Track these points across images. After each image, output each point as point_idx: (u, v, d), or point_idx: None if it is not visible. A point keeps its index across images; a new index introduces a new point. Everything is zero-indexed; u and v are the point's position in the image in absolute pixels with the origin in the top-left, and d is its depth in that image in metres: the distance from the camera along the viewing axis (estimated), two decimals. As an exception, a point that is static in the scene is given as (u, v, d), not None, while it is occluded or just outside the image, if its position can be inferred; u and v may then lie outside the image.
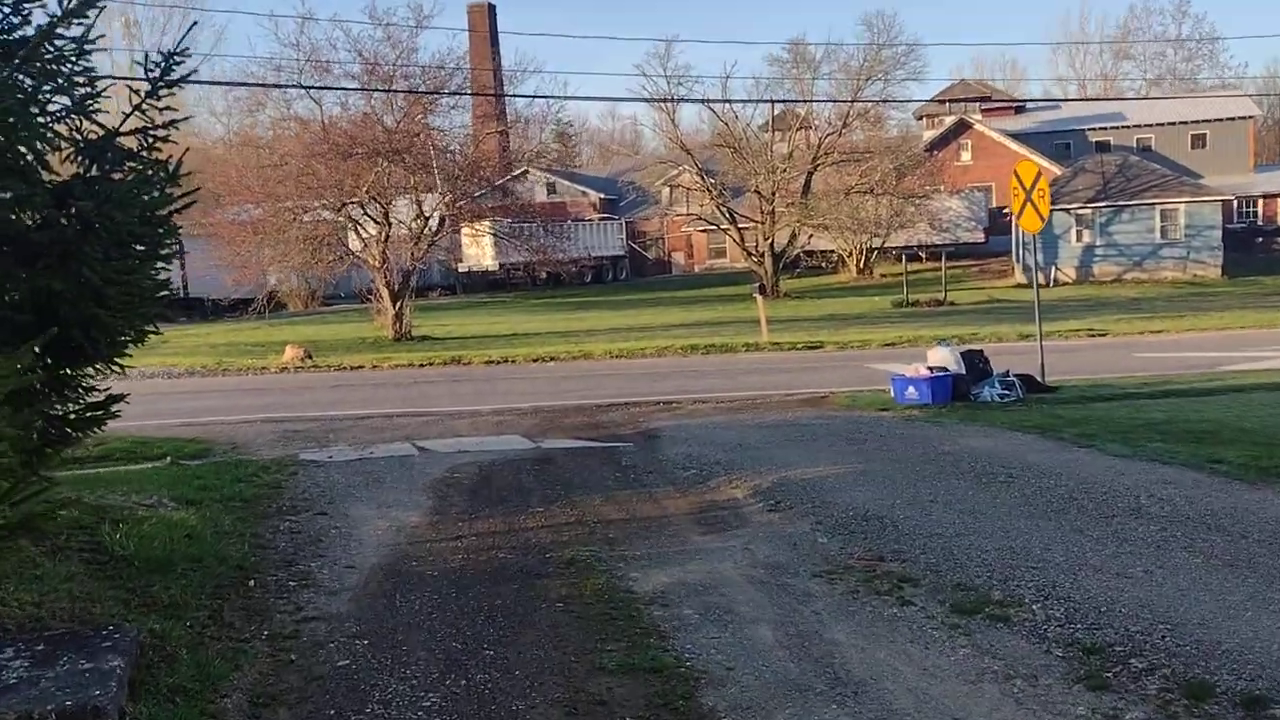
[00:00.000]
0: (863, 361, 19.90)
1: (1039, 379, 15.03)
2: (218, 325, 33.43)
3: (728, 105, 45.60)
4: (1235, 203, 54.14)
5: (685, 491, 9.10)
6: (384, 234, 29.40)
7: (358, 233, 29.82)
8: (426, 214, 30.02)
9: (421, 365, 21.89)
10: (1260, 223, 58.07)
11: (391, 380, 19.12)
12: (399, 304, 29.68)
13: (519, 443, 11.96)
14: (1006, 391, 14.20)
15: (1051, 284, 44.73)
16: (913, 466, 9.35)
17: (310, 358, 22.14)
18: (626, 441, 11.83)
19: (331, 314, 42.86)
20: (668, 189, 61.12)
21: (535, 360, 22.26)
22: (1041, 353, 15.51)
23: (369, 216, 28.94)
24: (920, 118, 66.46)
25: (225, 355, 24.68)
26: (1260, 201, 58.26)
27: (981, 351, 15.28)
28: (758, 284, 25.15)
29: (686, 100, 45.09)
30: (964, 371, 14.53)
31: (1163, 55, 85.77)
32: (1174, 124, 60.40)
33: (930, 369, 14.35)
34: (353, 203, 28.01)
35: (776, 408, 14.15)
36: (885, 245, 52.90)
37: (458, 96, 29.78)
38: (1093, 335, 24.77)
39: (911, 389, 14.05)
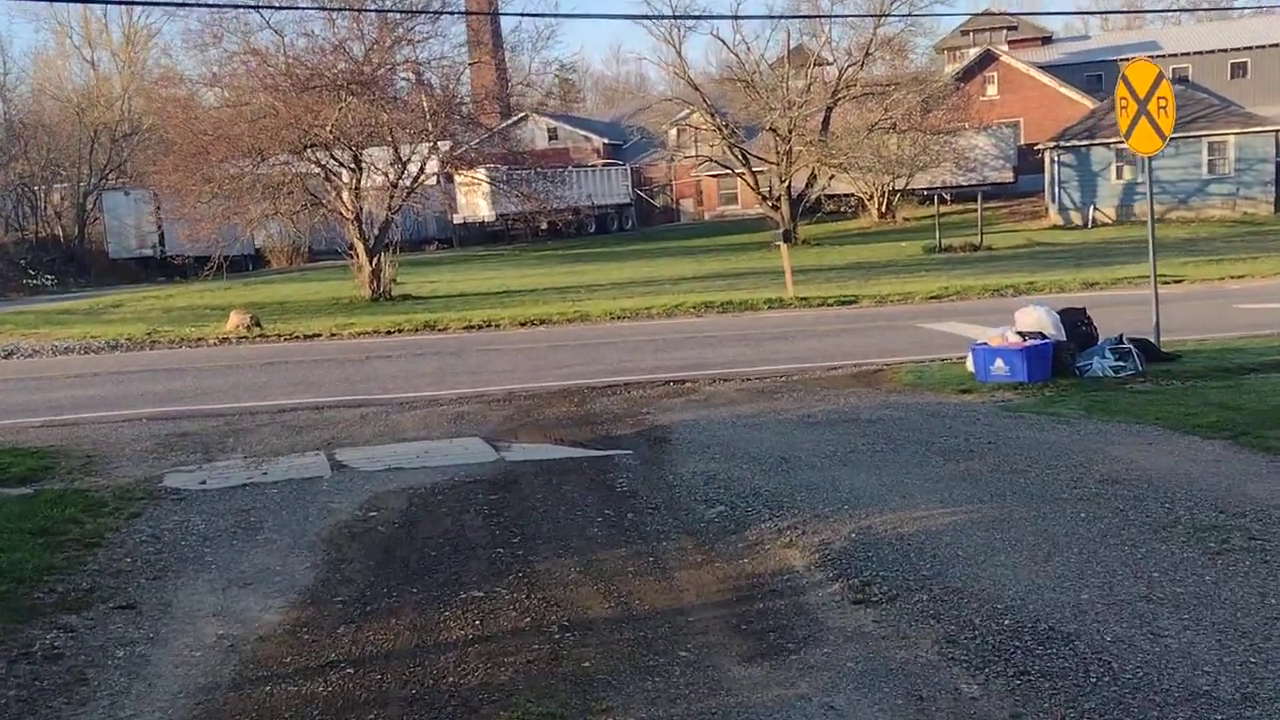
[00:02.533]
0: (910, 320, 16.52)
1: (1154, 343, 11.66)
2: (192, 286, 30.22)
3: (739, 36, 41.72)
4: (1282, 134, 50.21)
5: (710, 550, 5.81)
6: (354, 181, 25.96)
7: (329, 180, 26.38)
8: (404, 158, 26.54)
9: (388, 332, 18.57)
10: (1311, 155, 54.03)
11: (342, 354, 15.82)
12: (375, 260, 26.31)
13: (477, 451, 8.67)
14: (1122, 363, 10.82)
15: (1090, 224, 41.12)
16: (1069, 509, 6.00)
17: (259, 325, 18.85)
18: (624, 448, 8.53)
19: (315, 271, 39.56)
20: (675, 132, 57.34)
21: (523, 324, 18.92)
22: (1156, 309, 12.08)
23: (336, 161, 25.49)
24: (941, 51, 62.28)
25: (167, 323, 21.41)
26: (1311, 132, 54.15)
27: (1084, 310, 11.87)
28: (780, 230, 21.73)
29: (698, 17, 40.83)
30: (1064, 337, 11.17)
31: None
32: (1212, 52, 56.11)
33: (1022, 335, 10.98)
34: (316, 145, 24.53)
35: (821, 389, 10.81)
36: (909, 187, 49.25)
37: (437, 21, 26.12)
38: (1166, 283, 21.23)
39: (1000, 362, 10.68)
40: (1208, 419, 7.94)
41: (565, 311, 19.86)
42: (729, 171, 51.93)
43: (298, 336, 18.35)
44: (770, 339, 15.15)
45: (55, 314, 25.15)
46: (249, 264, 43.71)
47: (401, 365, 14.20)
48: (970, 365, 11.16)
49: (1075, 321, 11.50)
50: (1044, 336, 10.91)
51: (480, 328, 18.80)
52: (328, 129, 23.84)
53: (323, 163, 25.42)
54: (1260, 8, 67.12)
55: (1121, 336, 11.16)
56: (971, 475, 6.89)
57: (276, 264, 44.81)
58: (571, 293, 25.16)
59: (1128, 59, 59.73)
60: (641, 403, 10.67)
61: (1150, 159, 12.50)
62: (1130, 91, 11.82)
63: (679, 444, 8.51)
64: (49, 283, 40.12)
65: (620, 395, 11.16)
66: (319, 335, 18.43)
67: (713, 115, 41.18)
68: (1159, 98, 11.56)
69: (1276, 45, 55.22)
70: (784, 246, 21.13)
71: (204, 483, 7.89)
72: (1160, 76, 11.70)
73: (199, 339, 18.30)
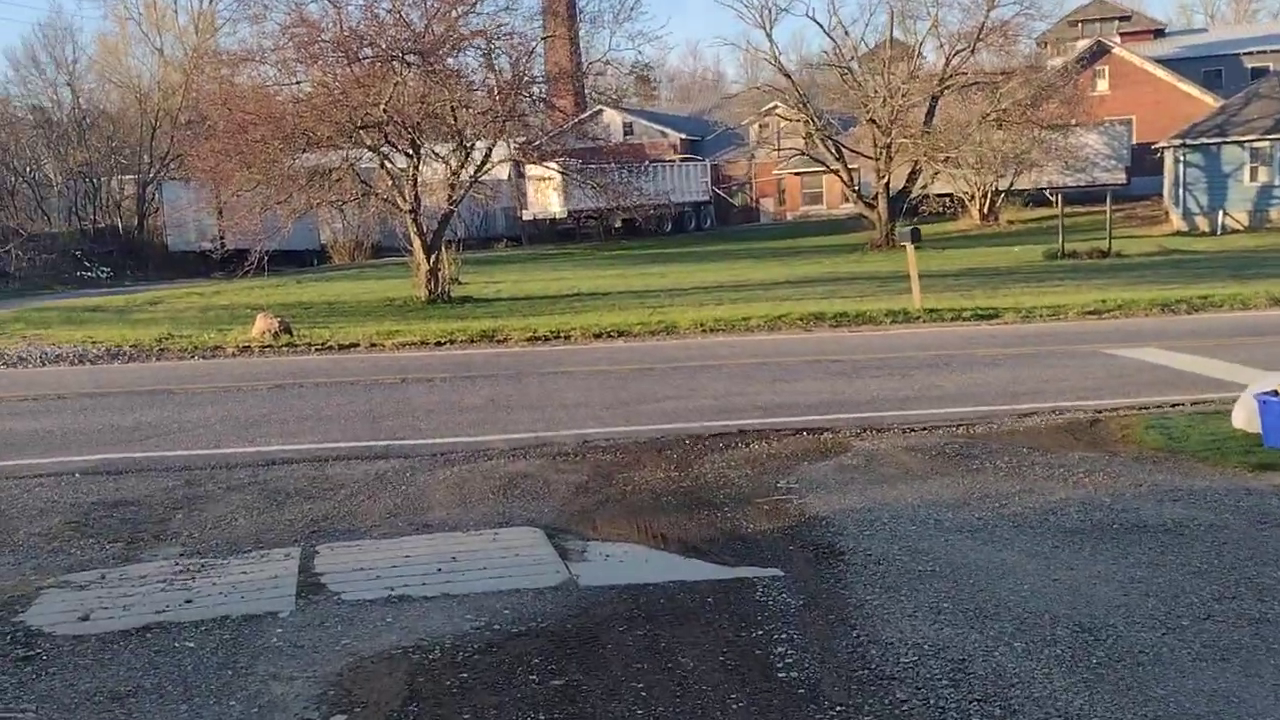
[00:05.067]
0: (1085, 343, 13.05)
1: None
2: (241, 283, 27.75)
3: (835, 19, 38.23)
4: None
5: None
6: (411, 169, 23.05)
7: (383, 167, 23.52)
8: (467, 144, 23.57)
9: (438, 343, 15.53)
10: None
11: (375, 373, 12.79)
12: (433, 257, 23.37)
13: (533, 561, 5.50)
14: None
15: (1220, 230, 36.80)
16: None
17: (287, 331, 15.96)
18: (766, 563, 5.32)
19: (375, 269, 36.92)
20: (757, 127, 53.91)
21: (597, 336, 15.76)
22: None
23: (391, 145, 22.58)
24: (1044, 45, 57.98)
25: (196, 325, 18.66)
26: None
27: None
28: (910, 228, 18.29)
29: None
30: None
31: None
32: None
33: (1329, 382, 7.52)
34: (369, 126, 21.64)
35: (1031, 452, 7.45)
36: (1013, 187, 45.33)
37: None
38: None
39: (1305, 423, 7.24)
40: None
41: (646, 321, 16.66)
42: (815, 169, 48.40)
43: (330, 347, 15.38)
44: (916, 366, 11.78)
45: (83, 311, 22.67)
46: (313, 260, 41.47)
47: (444, 392, 11.09)
48: (1241, 421, 7.74)
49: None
50: (1361, 384, 7.44)
51: (547, 339, 15.68)
52: (381, 107, 20.93)
53: (376, 145, 22.55)
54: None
55: None
56: None
57: (339, 260, 42.50)
58: (650, 298, 21.99)
59: (1251, 52, 55.05)
60: (772, 466, 7.42)
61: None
62: None
63: (861, 565, 5.24)
64: (103, 275, 38.17)
65: (738, 451, 7.91)
66: (355, 346, 15.45)
67: (804, 104, 37.67)
68: None
69: None
70: (911, 248, 17.68)
71: (88, 616, 4.82)
72: None
73: (215, 348, 15.44)
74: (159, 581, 5.28)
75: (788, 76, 38.16)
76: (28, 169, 44.26)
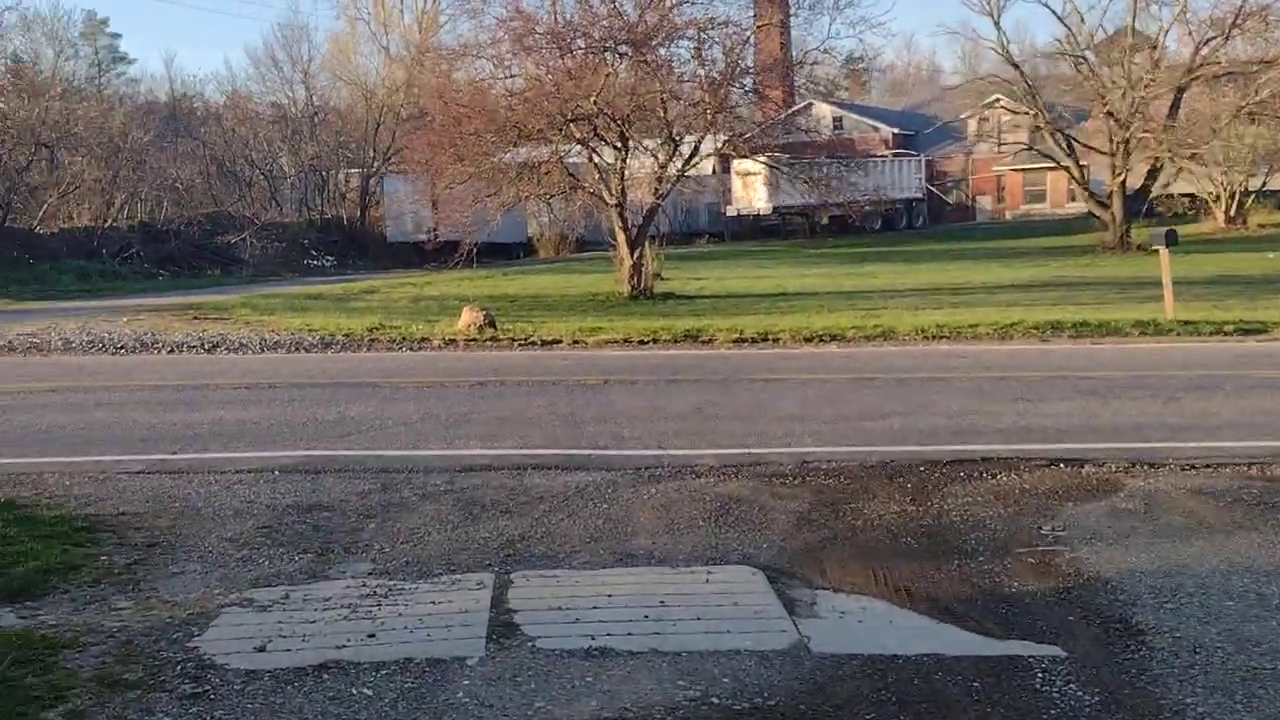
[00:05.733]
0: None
1: None
2: (452, 273, 28.28)
3: (1070, 5, 35.55)
4: None
5: None
6: (619, 161, 22.69)
7: (591, 160, 23.28)
8: (676, 136, 23.01)
9: (641, 342, 14.96)
10: None
11: (577, 372, 12.28)
12: (637, 252, 22.95)
13: (752, 613, 4.70)
14: None
15: None
16: None
17: (492, 325, 15.78)
18: (1041, 636, 4.35)
19: (579, 262, 37.10)
20: (975, 121, 51.27)
21: (808, 340, 14.81)
22: None
23: (599, 137, 22.27)
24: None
25: (406, 315, 18.84)
26: None
27: None
28: (1166, 230, 16.41)
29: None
30: None
31: None
32: None
33: None
34: (579, 119, 21.39)
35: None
36: (1265, 188, 41.30)
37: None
38: None
39: None
40: None
41: (862, 325, 15.57)
42: (1039, 165, 45.54)
43: (533, 343, 15.07)
44: (1181, 388, 10.28)
45: (304, 298, 23.47)
46: (519, 252, 42.19)
47: (648, 397, 10.45)
48: None
49: None
50: None
51: (754, 341, 14.86)
52: (591, 100, 20.62)
53: (585, 139, 22.30)
54: None
55: None
56: None
57: (544, 253, 43.08)
58: (862, 299, 20.81)
59: None
60: (1029, 505, 6.35)
61: None
62: None
63: (1169, 652, 4.17)
64: (328, 263, 39.98)
65: (983, 484, 6.87)
66: (558, 342, 15.08)
67: (1034, 95, 35.23)
68: None
69: None
70: (1164, 252, 15.81)
71: (264, 647, 4.36)
72: None
73: (422, 339, 15.40)
74: (343, 607, 4.79)
75: (1015, 66, 35.80)
76: (265, 162, 46.91)
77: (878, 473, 7.21)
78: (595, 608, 4.73)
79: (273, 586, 5.14)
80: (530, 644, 4.35)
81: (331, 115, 49.47)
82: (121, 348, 15.10)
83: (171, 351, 14.80)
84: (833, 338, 14.90)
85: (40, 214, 34.29)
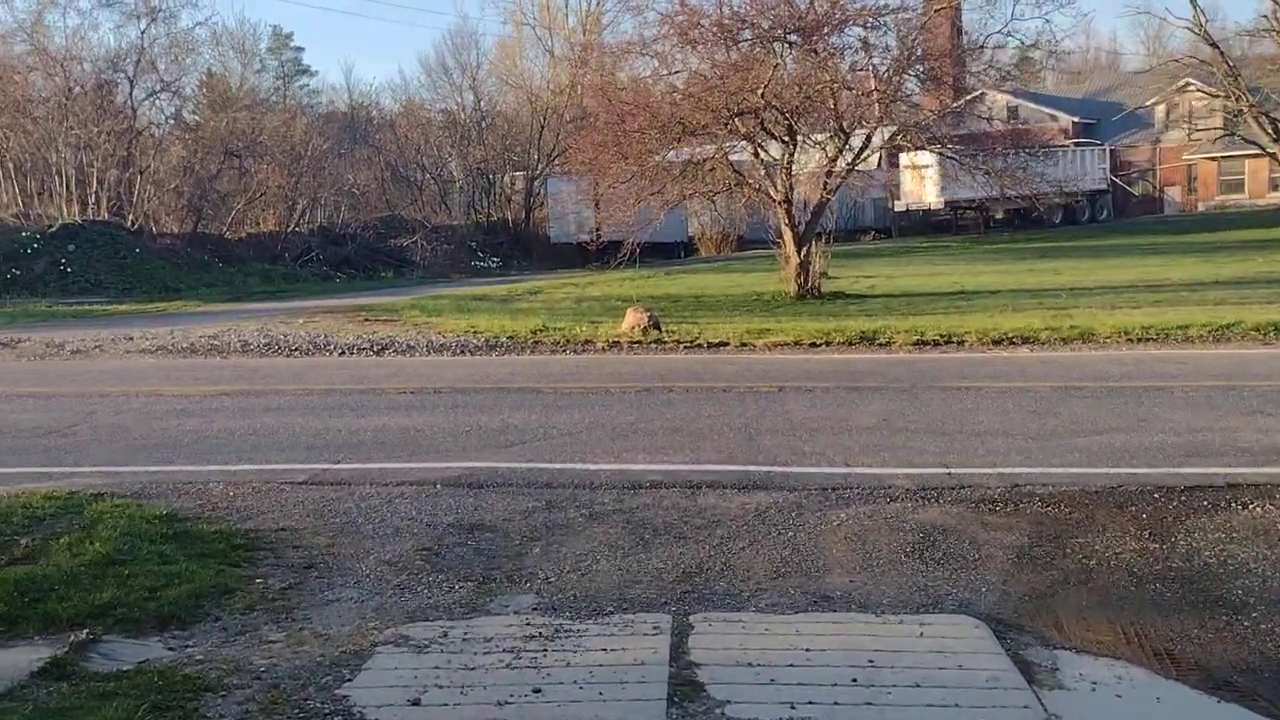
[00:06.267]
0: None
1: None
2: (615, 273, 28.08)
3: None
4: None
5: None
6: (786, 156, 21.86)
7: (758, 155, 22.53)
8: (847, 128, 22.01)
9: (812, 345, 14.15)
10: None
11: (748, 378, 11.58)
12: (804, 250, 22.06)
13: (979, 681, 3.92)
14: None
15: None
16: None
17: (656, 327, 15.28)
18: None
19: (741, 261, 36.39)
20: (1164, 108, 47.94)
21: (997, 343, 13.69)
22: None
23: (766, 132, 21.49)
24: None
25: (570, 316, 18.56)
26: None
27: None
28: None
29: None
30: None
31: None
32: None
33: None
34: (745, 112, 20.68)
35: None
36: None
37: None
38: None
39: None
40: None
41: (1055, 327, 14.32)
42: (1236, 153, 42.19)
43: (699, 345, 14.47)
44: None
45: (470, 299, 23.57)
46: (681, 251, 41.79)
47: (827, 406, 9.68)
48: None
49: None
50: None
51: (936, 344, 13.84)
52: (759, 92, 19.87)
53: (751, 133, 21.56)
54: None
55: None
56: None
57: (705, 252, 42.54)
58: (1048, 298, 19.37)
59: None
60: (1301, 549, 5.33)
61: None
62: None
63: None
64: (494, 265, 40.55)
65: (1235, 515, 5.86)
66: (725, 345, 14.42)
67: (1235, 76, 32.47)
68: None
69: None
70: None
71: (419, 700, 3.86)
72: None
73: (586, 342, 15.01)
74: (505, 651, 4.27)
75: (1214, 45, 33.08)
76: (435, 166, 48.04)
77: (1104, 500, 6.28)
78: (791, 665, 4.05)
79: (431, 621, 4.68)
80: (719, 711, 3.72)
81: (498, 119, 50.22)
82: (295, 350, 15.28)
83: (342, 354, 14.88)
84: (1024, 340, 13.73)
85: (229, 220, 35.92)
